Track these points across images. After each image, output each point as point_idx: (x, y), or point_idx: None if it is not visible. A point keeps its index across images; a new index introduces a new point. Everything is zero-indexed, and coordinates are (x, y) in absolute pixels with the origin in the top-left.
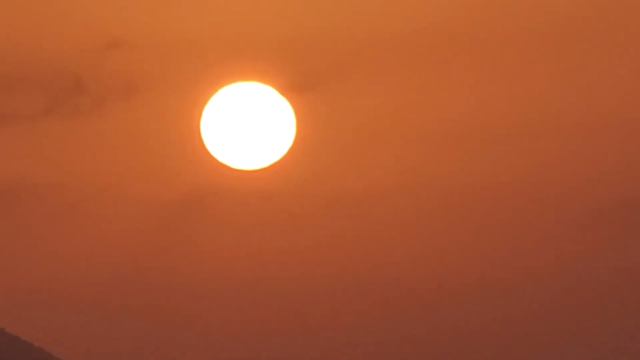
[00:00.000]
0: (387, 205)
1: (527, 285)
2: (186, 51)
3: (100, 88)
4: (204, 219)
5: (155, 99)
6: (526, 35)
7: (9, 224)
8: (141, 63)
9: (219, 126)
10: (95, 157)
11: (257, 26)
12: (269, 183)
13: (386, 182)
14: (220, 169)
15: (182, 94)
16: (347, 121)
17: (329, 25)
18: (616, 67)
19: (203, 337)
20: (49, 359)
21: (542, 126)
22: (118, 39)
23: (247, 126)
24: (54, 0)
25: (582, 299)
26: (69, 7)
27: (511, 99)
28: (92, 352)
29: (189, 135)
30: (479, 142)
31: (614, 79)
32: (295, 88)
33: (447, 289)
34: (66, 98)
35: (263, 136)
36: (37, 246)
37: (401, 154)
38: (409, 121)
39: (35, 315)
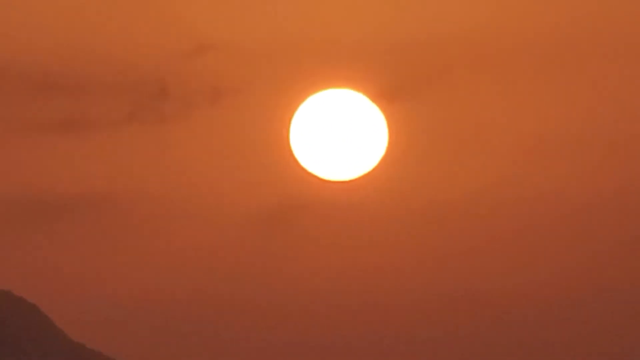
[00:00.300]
0: (483, 217)
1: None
2: (275, 57)
3: (185, 94)
4: (292, 232)
5: (242, 105)
6: (636, 43)
7: (90, 235)
8: (228, 68)
9: (309, 135)
10: (180, 165)
11: (350, 32)
12: (360, 194)
13: (482, 193)
14: (309, 179)
15: (271, 101)
16: (442, 130)
17: (423, 32)
18: None
19: (288, 351)
20: None
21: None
22: (204, 43)
23: (338, 135)
24: (138, 5)
25: None
26: (153, 12)
27: (617, 107)
28: None
29: (277, 144)
30: (581, 151)
31: None
32: (387, 96)
33: (553, 300)
34: (150, 104)
35: (354, 145)
36: (120, 257)
37: (497, 163)
38: (506, 129)
39: (117, 326)
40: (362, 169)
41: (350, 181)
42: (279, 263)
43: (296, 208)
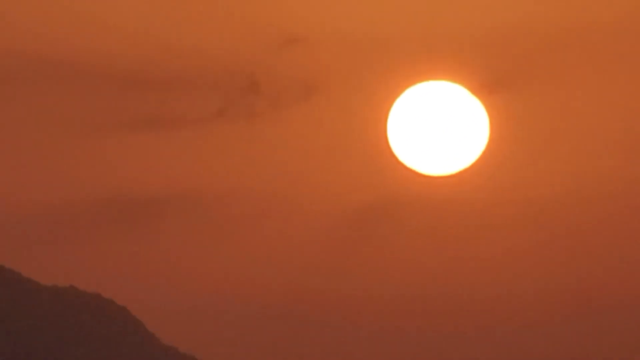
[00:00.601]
0: (586, 212)
1: None
2: (369, 49)
3: (277, 88)
4: (391, 229)
5: (336, 99)
6: None
7: (181, 233)
8: (320, 62)
9: (407, 129)
10: (272, 161)
11: (447, 23)
12: (461, 189)
13: (586, 187)
14: (407, 174)
15: (366, 94)
16: (543, 123)
17: (523, 22)
18: None
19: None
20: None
21: None
22: (295, 36)
23: (437, 129)
24: None
25: None
26: (242, 5)
27: None
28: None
29: (374, 138)
30: None
31: None
32: (488, 88)
33: None
34: (240, 99)
35: (454, 139)
36: (212, 255)
37: (601, 157)
38: (611, 122)
39: (208, 327)
40: (463, 164)
41: (450, 176)
42: (377, 258)
43: (396, 204)
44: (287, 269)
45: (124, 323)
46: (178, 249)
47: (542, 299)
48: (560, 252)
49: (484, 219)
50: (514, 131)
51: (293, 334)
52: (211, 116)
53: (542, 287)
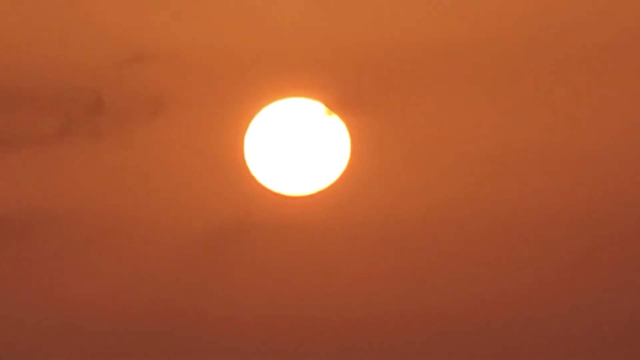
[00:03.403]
0: (446, 232)
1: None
2: (224, 66)
3: (123, 106)
4: (244, 252)
5: (187, 118)
6: (605, 50)
7: (19, 258)
8: (171, 79)
9: (264, 147)
10: (118, 183)
11: (304, 38)
12: (319, 210)
13: (447, 207)
14: (265, 194)
15: (221, 112)
16: (406, 141)
17: (386, 38)
18: None
19: None
20: None
21: (618, 150)
22: (143, 52)
23: (295, 147)
24: (69, 9)
25: None
26: (86, 17)
27: (585, 120)
28: None
29: (229, 157)
30: (549, 164)
31: None
32: (349, 104)
33: (516, 316)
34: (84, 118)
35: (313, 159)
36: (51, 284)
37: (464, 177)
38: (472, 141)
39: (60, 343)
40: (322, 184)
41: (308, 196)
42: (230, 278)
43: (250, 225)
44: (131, 301)
45: None
46: (25, 269)
47: (403, 319)
48: (419, 272)
49: (341, 241)
50: (375, 150)
51: (148, 348)
52: (52, 136)
53: (402, 308)
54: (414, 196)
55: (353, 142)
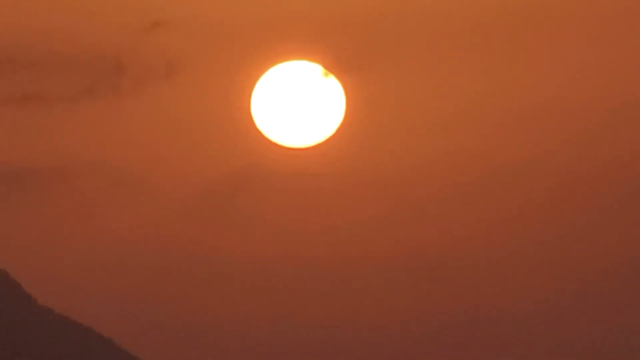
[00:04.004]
0: (438, 185)
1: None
2: (231, 32)
3: (141, 69)
4: (252, 196)
5: (199, 79)
6: (553, 19)
7: (51, 203)
8: (183, 44)
9: (269, 104)
10: (137, 137)
11: (305, 5)
12: (318, 160)
13: (436, 162)
14: (269, 146)
15: (229, 74)
16: (397, 99)
17: (379, 3)
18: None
19: (244, 316)
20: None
21: (568, 106)
22: (159, 19)
23: (297, 105)
24: None
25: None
26: None
27: (572, 78)
28: (133, 327)
29: (237, 114)
30: (538, 123)
31: (632, 59)
32: (344, 66)
33: (484, 264)
34: (106, 79)
35: (312, 114)
36: (80, 225)
37: (450, 133)
38: (459, 100)
39: (78, 292)
40: (320, 137)
41: (309, 148)
42: (240, 220)
43: (257, 173)
44: (148, 241)
45: (3, 285)
46: (47, 219)
47: (393, 255)
48: (406, 214)
49: (336, 188)
50: (369, 106)
51: (151, 302)
52: (78, 95)
53: (391, 246)
54: (403, 148)
55: (348, 100)
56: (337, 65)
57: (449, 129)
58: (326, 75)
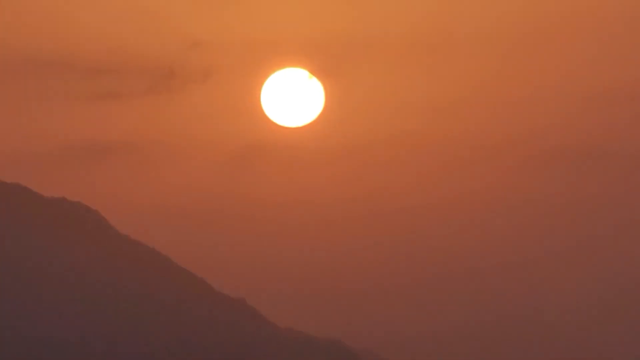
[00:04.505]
0: (401, 156)
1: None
2: (246, 48)
3: (185, 74)
4: (262, 159)
5: (226, 81)
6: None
7: (127, 166)
8: (213, 57)
9: (274, 97)
10: (184, 120)
11: (296, 31)
12: (306, 137)
13: (399, 136)
14: (273, 126)
15: (248, 76)
16: (361, 93)
17: (346, 30)
18: None
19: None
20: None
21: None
22: (197, 40)
23: (292, 97)
24: (154, 15)
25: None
26: (164, 18)
27: (457, 78)
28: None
29: (250, 104)
30: (470, 110)
31: None
32: (323, 72)
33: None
34: (162, 81)
35: (302, 104)
36: (146, 180)
37: (406, 116)
38: (407, 93)
39: (147, 224)
40: (307, 120)
41: (300, 127)
42: (254, 179)
43: (265, 143)
44: (194, 187)
45: (95, 220)
46: (127, 175)
47: (374, 216)
48: (382, 182)
49: (318, 155)
50: (340, 101)
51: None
52: (143, 92)
53: (372, 208)
54: (364, 128)
55: (326, 95)
56: (318, 71)
57: (399, 114)
58: (310, 77)
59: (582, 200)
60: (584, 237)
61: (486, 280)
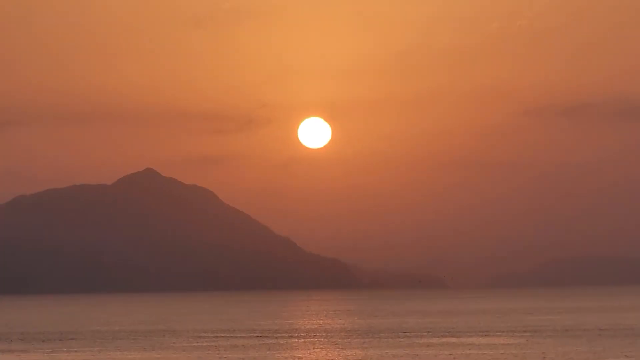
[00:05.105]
0: (377, 164)
1: None
2: (289, 109)
3: (250, 119)
4: (294, 169)
5: (273, 128)
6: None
7: (237, 168)
8: (276, 113)
9: (306, 131)
10: (258, 146)
11: (317, 93)
12: (319, 154)
13: (376, 155)
14: (302, 147)
15: (289, 124)
16: (356, 129)
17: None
18: None
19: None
20: None
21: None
22: (263, 100)
23: (314, 131)
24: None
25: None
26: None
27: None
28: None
29: (290, 136)
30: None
31: None
32: (331, 115)
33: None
34: (245, 125)
35: (318, 135)
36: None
37: (387, 140)
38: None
39: None
40: (321, 145)
41: (317, 149)
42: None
43: (298, 157)
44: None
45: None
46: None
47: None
48: (356, 180)
49: (330, 164)
50: (342, 133)
51: None
52: (234, 130)
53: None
54: (357, 150)
55: (332, 130)
56: (324, 112)
57: (388, 138)
58: (324, 121)
59: None
60: None
61: None
